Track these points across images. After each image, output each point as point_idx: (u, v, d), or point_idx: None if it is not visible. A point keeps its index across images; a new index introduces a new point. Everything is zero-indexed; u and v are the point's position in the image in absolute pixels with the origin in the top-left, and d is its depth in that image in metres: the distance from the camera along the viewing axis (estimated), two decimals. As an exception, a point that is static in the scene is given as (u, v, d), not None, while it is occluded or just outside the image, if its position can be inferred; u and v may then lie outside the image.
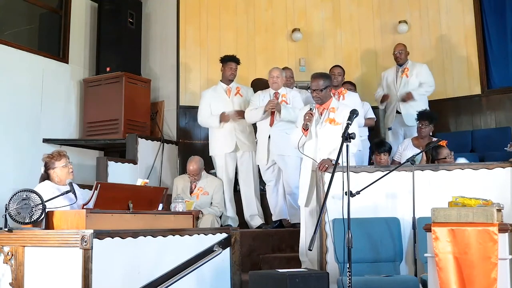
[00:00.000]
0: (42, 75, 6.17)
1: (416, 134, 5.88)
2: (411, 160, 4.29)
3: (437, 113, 5.99)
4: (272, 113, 5.52)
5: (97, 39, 6.77)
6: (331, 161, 4.36)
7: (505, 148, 5.14)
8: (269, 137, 5.53)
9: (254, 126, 5.87)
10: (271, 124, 5.52)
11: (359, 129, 5.74)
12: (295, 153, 4.98)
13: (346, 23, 7.58)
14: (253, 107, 5.65)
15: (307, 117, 4.51)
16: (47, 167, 4.08)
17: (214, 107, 5.88)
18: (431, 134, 5.76)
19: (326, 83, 4.58)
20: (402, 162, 4.67)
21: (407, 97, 6.20)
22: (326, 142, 4.51)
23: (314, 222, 4.67)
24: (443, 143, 5.08)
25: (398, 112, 6.31)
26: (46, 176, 4.09)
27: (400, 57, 6.39)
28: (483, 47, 6.92)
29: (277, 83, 5.61)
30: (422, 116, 5.67)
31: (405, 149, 5.68)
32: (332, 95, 4.76)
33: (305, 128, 4.53)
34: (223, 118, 5.78)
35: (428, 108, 6.05)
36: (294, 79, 6.38)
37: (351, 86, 6.36)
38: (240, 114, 5.81)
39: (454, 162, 4.88)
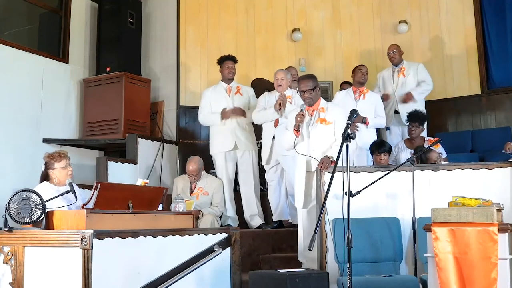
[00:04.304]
0: (42, 75, 6.17)
1: None
2: (411, 160, 4.30)
3: (428, 113, 5.97)
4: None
5: (97, 39, 6.77)
6: (329, 158, 4.37)
7: (503, 151, 5.13)
8: (274, 137, 5.53)
9: (255, 125, 5.89)
10: (275, 125, 5.53)
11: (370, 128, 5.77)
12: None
13: (346, 23, 7.58)
14: (259, 109, 5.64)
15: (298, 118, 4.54)
16: (46, 166, 4.07)
17: (214, 105, 5.88)
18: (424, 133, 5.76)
19: (315, 83, 4.64)
20: (400, 163, 4.67)
21: (407, 98, 6.17)
22: (319, 142, 4.55)
23: (312, 222, 4.69)
24: (431, 141, 5.10)
25: (396, 112, 6.31)
26: (46, 175, 4.08)
27: (395, 57, 6.38)
28: (483, 47, 6.93)
29: (281, 86, 5.57)
30: (412, 118, 5.66)
31: (399, 152, 5.67)
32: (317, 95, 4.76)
33: (297, 130, 4.55)
34: (225, 114, 5.79)
35: (424, 109, 6.05)
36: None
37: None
38: (239, 112, 5.81)
39: (449, 163, 4.87)
